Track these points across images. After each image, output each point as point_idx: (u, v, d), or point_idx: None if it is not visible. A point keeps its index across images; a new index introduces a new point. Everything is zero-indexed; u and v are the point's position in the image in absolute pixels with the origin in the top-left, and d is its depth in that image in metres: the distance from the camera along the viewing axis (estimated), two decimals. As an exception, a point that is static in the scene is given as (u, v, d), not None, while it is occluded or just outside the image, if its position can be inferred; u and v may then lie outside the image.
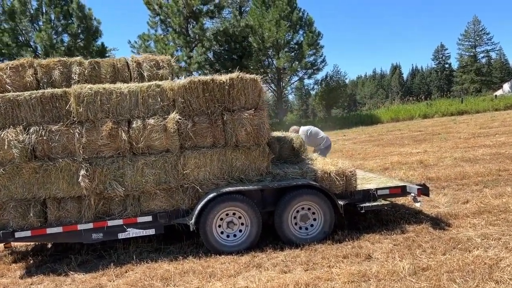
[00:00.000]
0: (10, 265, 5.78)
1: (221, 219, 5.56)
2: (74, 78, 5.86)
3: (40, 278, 5.14)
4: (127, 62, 6.11)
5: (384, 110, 32.56)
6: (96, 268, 5.30)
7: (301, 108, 73.65)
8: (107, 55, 41.15)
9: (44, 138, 5.28)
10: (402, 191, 6.14)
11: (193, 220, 5.36)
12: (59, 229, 5.35)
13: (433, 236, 5.59)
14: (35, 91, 5.41)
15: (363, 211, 5.85)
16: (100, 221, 5.43)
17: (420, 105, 32.28)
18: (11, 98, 5.28)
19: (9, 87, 5.68)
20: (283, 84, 33.62)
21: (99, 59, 6.06)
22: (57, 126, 5.33)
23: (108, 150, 5.44)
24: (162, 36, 29.23)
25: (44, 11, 28.68)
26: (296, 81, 35.11)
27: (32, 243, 6.42)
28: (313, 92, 39.76)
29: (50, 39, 26.68)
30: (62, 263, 5.59)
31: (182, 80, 5.58)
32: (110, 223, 5.45)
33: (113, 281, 4.89)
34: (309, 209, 5.76)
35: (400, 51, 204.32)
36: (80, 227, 5.38)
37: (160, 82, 5.61)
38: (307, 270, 4.81)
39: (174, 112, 5.50)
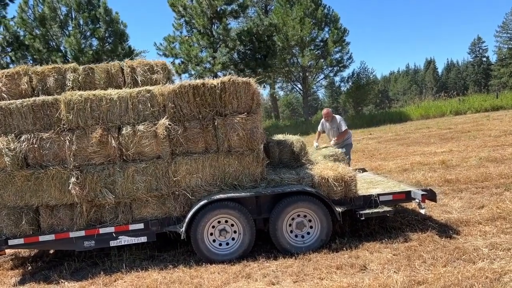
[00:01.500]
0: (7, 271, 5.84)
1: (213, 226, 5.42)
2: (68, 84, 5.84)
3: (31, 286, 5.16)
4: (121, 68, 6.04)
5: (414, 107, 31.53)
6: (88, 276, 5.26)
7: (331, 106, 72.76)
8: (138, 58, 42.19)
9: (36, 146, 5.29)
10: (407, 197, 5.81)
11: (183, 228, 5.25)
12: (51, 237, 5.35)
13: (438, 245, 5.26)
14: (26, 99, 5.42)
15: (362, 218, 5.57)
16: (92, 229, 5.39)
17: (452, 101, 31.07)
18: (3, 107, 5.31)
19: (4, 95, 5.71)
20: (309, 83, 33.16)
21: (93, 65, 6.02)
22: (48, 134, 5.32)
23: (99, 157, 5.39)
24: (187, 37, 29.37)
25: (73, 16, 29.37)
26: (321, 79, 34.61)
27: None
28: (344, 89, 39.09)
29: (78, 44, 27.29)
30: (56, 270, 5.59)
31: (172, 85, 5.46)
32: (102, 230, 5.40)
33: (100, 290, 4.83)
34: (305, 216, 5.53)
35: (434, 45, 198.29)
36: (72, 234, 5.36)
37: (150, 87, 5.52)
38: (296, 282, 4.60)
39: (164, 118, 5.39)
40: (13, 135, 5.32)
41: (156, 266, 5.35)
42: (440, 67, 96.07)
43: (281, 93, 50.15)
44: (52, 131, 5.36)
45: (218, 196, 5.30)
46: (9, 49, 29.84)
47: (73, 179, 5.27)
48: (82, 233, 5.37)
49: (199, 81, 5.45)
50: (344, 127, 8.48)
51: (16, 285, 5.23)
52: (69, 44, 27.55)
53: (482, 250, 4.99)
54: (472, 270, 4.40)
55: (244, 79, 5.54)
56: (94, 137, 5.30)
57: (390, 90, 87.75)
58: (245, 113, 5.51)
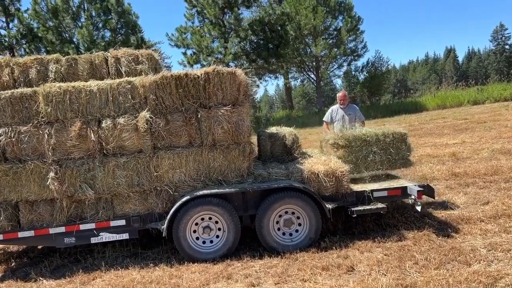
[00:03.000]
0: (-9, 267, 5.74)
1: (196, 224, 5.20)
2: (51, 76, 5.65)
3: (9, 283, 5.03)
4: (106, 58, 5.82)
5: (430, 97, 30.66)
6: (68, 273, 5.11)
7: (349, 96, 71.68)
8: (152, 49, 42.14)
9: (14, 139, 5.13)
10: (403, 193, 5.49)
11: (165, 225, 5.04)
12: (31, 233, 5.21)
13: (433, 245, 4.95)
14: (4, 91, 5.25)
15: (354, 215, 5.28)
16: (72, 225, 5.22)
17: (470, 90, 30.11)
18: (-19, 100, 5.16)
19: (-14, 88, 5.56)
20: (322, 72, 32.56)
21: (76, 55, 5.82)
22: (26, 127, 5.16)
23: (78, 152, 5.21)
24: (199, 28, 29.09)
25: (85, 7, 29.36)
26: (335, 68, 33.94)
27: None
28: (360, 79, 38.25)
29: (90, 35, 27.28)
30: (38, 267, 5.45)
31: (154, 76, 5.22)
32: (82, 227, 5.23)
33: (77, 289, 4.67)
34: (293, 213, 5.27)
35: (455, 33, 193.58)
36: (52, 231, 5.21)
37: (131, 79, 5.30)
38: (278, 283, 4.36)
39: (145, 110, 5.16)
40: (-10, 128, 5.16)
41: (137, 265, 5.16)
42: (461, 56, 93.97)
43: (294, 83, 49.53)
44: (31, 124, 5.19)
45: (200, 192, 5.06)
46: (23, 41, 30.13)
47: (52, 174, 5.11)
48: (62, 229, 5.21)
49: (181, 72, 5.21)
50: (363, 117, 7.73)
51: (-5, 282, 5.11)
52: (81, 36, 27.54)
53: (480, 250, 4.67)
54: (466, 273, 4.09)
55: (230, 69, 5.28)
56: (73, 131, 5.12)
57: (409, 80, 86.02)
58: (231, 105, 5.25)
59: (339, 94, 7.89)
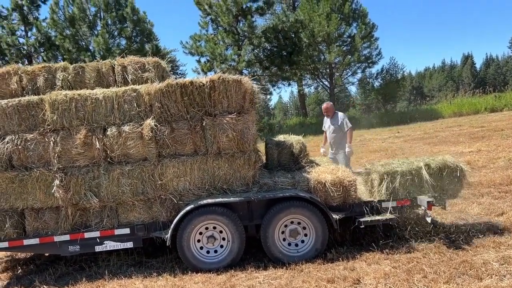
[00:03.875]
0: (-2, 274, 5.75)
1: (201, 233, 5.13)
2: (58, 84, 5.68)
3: (13, 291, 5.03)
4: (112, 66, 5.83)
5: (446, 104, 30.25)
6: (72, 282, 5.09)
7: (364, 103, 71.27)
8: (168, 56, 42.51)
9: (20, 147, 5.15)
10: (412, 203, 5.34)
11: (168, 234, 4.99)
12: (36, 241, 5.21)
13: (444, 257, 4.79)
14: (12, 99, 5.29)
15: (362, 226, 5.15)
16: (77, 233, 5.21)
17: (487, 97, 29.62)
18: (-12, 107, 5.19)
19: (-5, 95, 5.61)
20: (335, 80, 32.35)
21: (83, 63, 5.84)
22: (32, 135, 5.18)
23: (83, 159, 5.20)
24: (213, 35, 29.25)
25: (101, 16, 29.78)
26: (349, 75, 33.69)
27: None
28: (375, 86, 37.88)
29: (106, 43, 27.63)
30: (43, 274, 5.44)
31: (159, 84, 5.20)
32: (87, 235, 5.21)
33: (79, 298, 4.64)
34: (299, 223, 5.17)
35: (472, 39, 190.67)
36: (57, 238, 5.20)
37: (137, 86, 5.28)
38: (281, 295, 4.26)
39: (150, 118, 5.14)
40: (-3, 136, 5.20)
41: (141, 274, 5.11)
42: (479, 62, 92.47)
43: (308, 90, 49.34)
44: (37, 132, 5.21)
45: (204, 201, 5.01)
46: (41, 50, 30.66)
47: (57, 182, 5.11)
48: (66, 237, 5.20)
49: (187, 80, 5.18)
50: (347, 126, 7.55)
51: (-1, 290, 5.11)
52: (97, 44, 27.94)
53: (492, 264, 4.50)
54: (476, 289, 3.94)
55: (235, 77, 5.22)
56: (78, 138, 5.12)
57: (425, 87, 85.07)
58: (236, 113, 5.20)
59: (323, 106, 8.03)
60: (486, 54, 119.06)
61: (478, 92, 34.26)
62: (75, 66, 5.79)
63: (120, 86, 5.60)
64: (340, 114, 7.85)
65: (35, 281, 5.19)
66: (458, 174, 5.42)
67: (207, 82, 5.15)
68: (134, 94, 5.20)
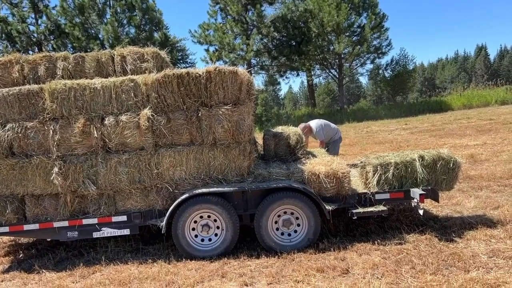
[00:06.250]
0: (0, 258, 5.92)
1: (195, 221, 5.24)
2: (58, 73, 5.78)
3: (13, 274, 5.19)
4: (112, 56, 5.91)
5: (456, 96, 29.91)
6: (70, 266, 5.24)
7: (375, 94, 70.71)
8: (177, 45, 42.47)
9: (20, 135, 5.27)
10: (406, 196, 5.38)
11: (164, 222, 5.10)
12: (35, 226, 5.35)
13: (433, 249, 4.84)
14: (13, 87, 5.40)
15: (354, 217, 5.22)
16: (75, 219, 5.34)
17: (499, 90, 29.23)
18: (-10, 95, 5.31)
19: (-3, 84, 5.73)
20: (344, 70, 32.12)
21: (83, 53, 5.93)
22: (32, 123, 5.29)
23: (82, 148, 5.31)
24: (221, 24, 29.19)
25: (110, 4, 29.85)
26: (358, 66, 33.42)
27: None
28: (387, 76, 37.47)
29: (115, 32, 27.73)
30: (43, 259, 5.61)
31: (156, 74, 5.27)
32: (85, 221, 5.34)
33: (76, 282, 4.78)
34: (292, 213, 5.25)
35: (486, 30, 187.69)
36: (56, 224, 5.34)
37: (134, 77, 5.36)
38: (271, 283, 4.35)
39: (147, 108, 5.22)
40: (-2, 123, 5.33)
41: (137, 260, 5.25)
42: (492, 54, 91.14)
43: (317, 80, 49.09)
44: (37, 120, 5.32)
45: (199, 191, 5.10)
46: (51, 37, 30.87)
47: (56, 169, 5.23)
48: (65, 223, 5.34)
49: (183, 70, 5.23)
50: (320, 138, 7.87)
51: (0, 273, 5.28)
52: (106, 32, 28.05)
53: (481, 257, 4.54)
54: (461, 280, 3.99)
55: (231, 68, 5.27)
56: (77, 127, 5.22)
57: (437, 78, 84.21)
58: (232, 104, 5.26)
59: (299, 127, 7.53)
60: (501, 45, 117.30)
61: (489, 84, 33.82)
62: (75, 56, 5.88)
63: (119, 76, 5.68)
64: (314, 127, 7.87)
65: (34, 265, 5.35)
66: (452, 166, 5.42)
67: (203, 73, 5.20)
68: (132, 84, 5.28)
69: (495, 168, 9.01)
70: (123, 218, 5.36)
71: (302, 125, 7.87)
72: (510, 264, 4.33)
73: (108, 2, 29.90)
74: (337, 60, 31.61)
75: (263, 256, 5.07)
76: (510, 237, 5.04)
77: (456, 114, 24.57)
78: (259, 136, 6.93)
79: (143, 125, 5.17)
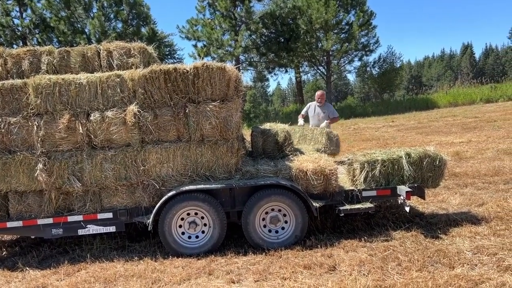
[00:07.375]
0: (-18, 256, 5.82)
1: (182, 219, 5.20)
2: (43, 68, 5.67)
3: (-4, 272, 5.10)
4: (98, 51, 5.82)
5: (442, 94, 30.24)
6: (54, 264, 5.17)
7: (362, 91, 71.06)
8: (165, 40, 42.12)
9: (3, 130, 5.17)
10: (392, 193, 5.41)
11: (150, 220, 5.05)
12: (19, 223, 5.26)
13: (420, 246, 4.88)
14: (-5, 82, 5.29)
15: (342, 214, 5.23)
16: (60, 216, 5.26)
17: (484, 88, 29.62)
18: (-28, 90, 5.20)
19: (-21, 78, 5.60)
20: (332, 67, 32.22)
21: (68, 48, 5.83)
22: (16, 119, 5.20)
23: (67, 144, 5.23)
24: (210, 20, 29.04)
25: (97, -2, 29.46)
26: (346, 63, 33.56)
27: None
28: (374, 73, 37.67)
29: (102, 26, 27.40)
30: (27, 257, 5.52)
31: (143, 70, 5.21)
32: (70, 218, 5.27)
33: (60, 280, 4.71)
34: (279, 210, 5.24)
35: (472, 29, 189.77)
36: (40, 221, 5.26)
37: (120, 72, 5.29)
38: (257, 281, 4.34)
39: (133, 104, 5.16)
40: (-19, 119, 5.21)
41: (123, 257, 5.20)
42: (478, 52, 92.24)
43: (306, 77, 49.19)
44: (21, 115, 5.22)
45: (186, 188, 5.06)
46: (36, 31, 30.37)
47: (40, 166, 5.15)
48: (50, 220, 5.26)
49: (170, 66, 5.18)
50: (337, 114, 8.48)
51: (-18, 271, 5.18)
52: (92, 27, 27.70)
53: (465, 253, 4.59)
54: (446, 277, 4.03)
55: (219, 64, 5.22)
56: (61, 123, 5.14)
57: (424, 76, 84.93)
58: (219, 101, 5.22)
59: (318, 93, 8.59)
60: (486, 44, 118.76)
61: (475, 82, 34.23)
62: (60, 50, 5.77)
63: (105, 72, 5.60)
64: (329, 104, 8.52)
65: (18, 263, 5.27)
66: (438, 163, 5.46)
67: (191, 69, 5.15)
68: (118, 79, 5.22)
69: (480, 166, 9.12)
70: (109, 215, 5.30)
71: (322, 92, 8.55)
72: (494, 260, 4.38)
73: (94, -4, 29.51)
74: (325, 57, 31.69)
75: (250, 253, 5.06)
76: (494, 233, 5.10)
77: (442, 111, 24.84)
78: (247, 133, 6.90)
79: (129, 121, 5.11)
